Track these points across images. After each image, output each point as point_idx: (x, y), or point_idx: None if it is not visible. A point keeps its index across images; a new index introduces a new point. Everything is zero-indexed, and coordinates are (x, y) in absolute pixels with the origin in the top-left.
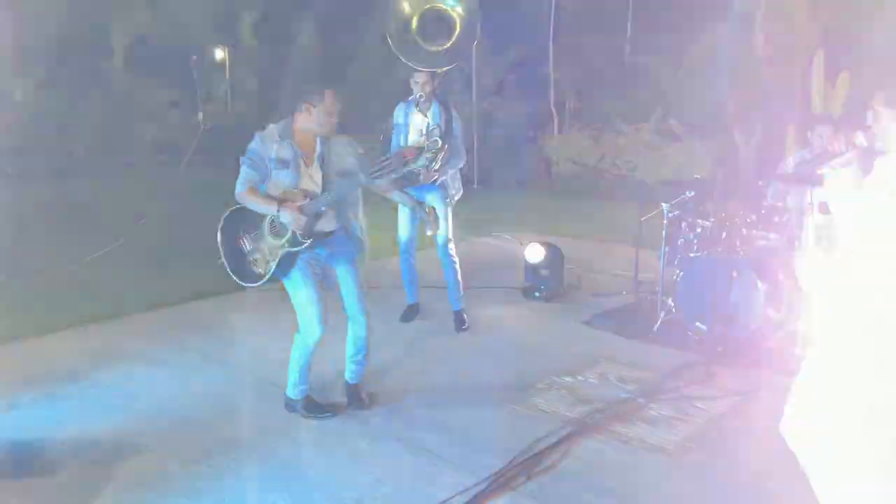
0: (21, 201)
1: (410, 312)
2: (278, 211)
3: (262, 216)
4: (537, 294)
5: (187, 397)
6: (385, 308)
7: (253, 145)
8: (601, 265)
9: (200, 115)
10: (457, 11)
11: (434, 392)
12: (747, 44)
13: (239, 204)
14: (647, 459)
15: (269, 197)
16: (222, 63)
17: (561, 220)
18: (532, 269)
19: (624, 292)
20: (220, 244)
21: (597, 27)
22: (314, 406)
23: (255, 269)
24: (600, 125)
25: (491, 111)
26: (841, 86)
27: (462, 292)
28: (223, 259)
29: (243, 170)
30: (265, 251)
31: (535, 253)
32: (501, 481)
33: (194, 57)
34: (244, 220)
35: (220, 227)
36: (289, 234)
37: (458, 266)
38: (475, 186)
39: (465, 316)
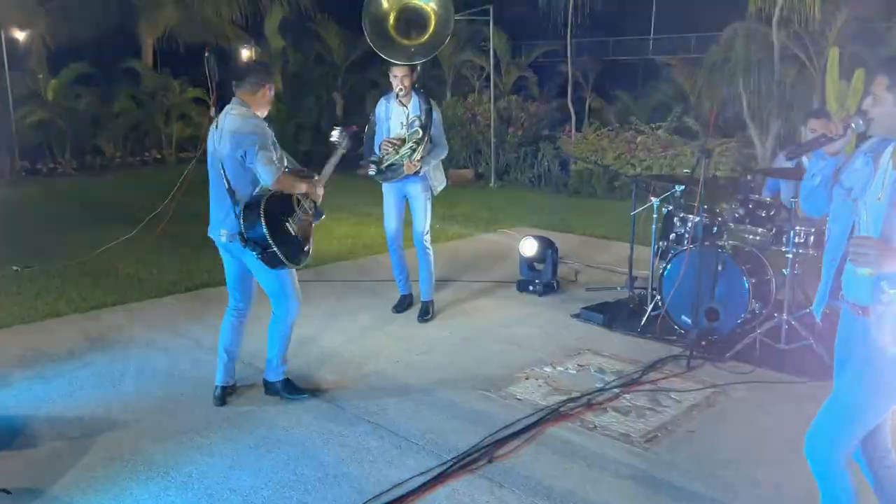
0: (48, 197)
1: (403, 303)
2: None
3: (291, 197)
4: (531, 288)
5: (174, 379)
6: (378, 300)
7: (261, 129)
8: (601, 261)
9: (213, 111)
10: (431, 7)
11: (413, 379)
12: (764, 42)
13: (270, 192)
14: (611, 446)
15: (304, 177)
16: (249, 62)
17: (572, 217)
18: (527, 264)
19: (618, 288)
20: (269, 236)
21: (618, 26)
22: (293, 387)
23: (306, 249)
24: (618, 124)
25: (509, 109)
26: (857, 83)
27: (434, 283)
28: (274, 248)
29: (269, 154)
30: (303, 230)
31: (529, 247)
32: (462, 464)
33: (206, 53)
34: (280, 205)
35: (263, 219)
36: (314, 210)
37: (432, 257)
38: (492, 185)
39: (432, 308)
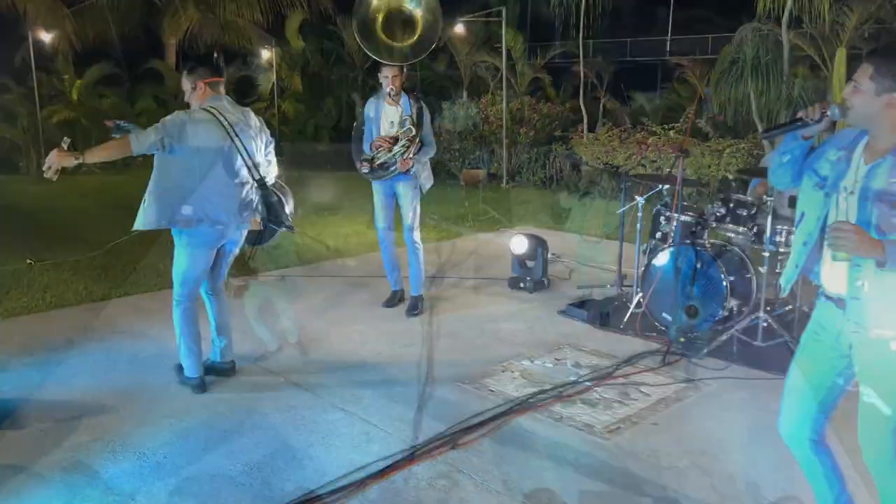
0: (71, 195)
1: (393, 299)
2: None
3: None
4: (522, 285)
5: (164, 367)
6: (368, 296)
7: None
8: (600, 260)
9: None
10: (418, 11)
11: (393, 371)
12: (775, 44)
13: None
14: (574, 436)
15: None
16: (269, 63)
17: (577, 217)
18: (518, 261)
19: (609, 285)
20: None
21: (635, 27)
22: None
23: None
24: (630, 125)
25: (522, 110)
26: None
27: (424, 279)
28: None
29: None
30: None
31: (519, 245)
32: (425, 450)
33: (215, 54)
34: None
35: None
36: None
37: (421, 253)
38: (504, 185)
39: (421, 303)
